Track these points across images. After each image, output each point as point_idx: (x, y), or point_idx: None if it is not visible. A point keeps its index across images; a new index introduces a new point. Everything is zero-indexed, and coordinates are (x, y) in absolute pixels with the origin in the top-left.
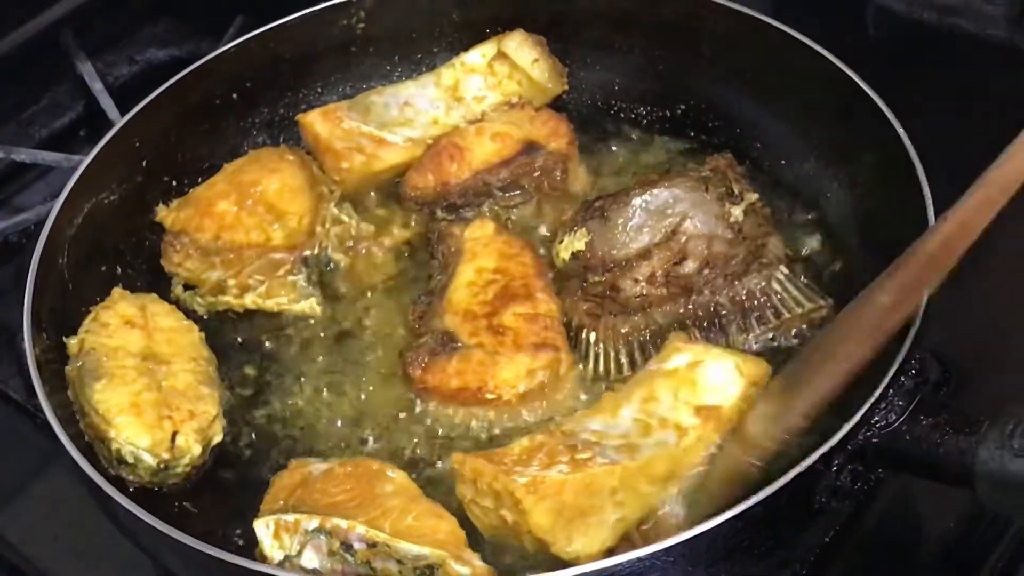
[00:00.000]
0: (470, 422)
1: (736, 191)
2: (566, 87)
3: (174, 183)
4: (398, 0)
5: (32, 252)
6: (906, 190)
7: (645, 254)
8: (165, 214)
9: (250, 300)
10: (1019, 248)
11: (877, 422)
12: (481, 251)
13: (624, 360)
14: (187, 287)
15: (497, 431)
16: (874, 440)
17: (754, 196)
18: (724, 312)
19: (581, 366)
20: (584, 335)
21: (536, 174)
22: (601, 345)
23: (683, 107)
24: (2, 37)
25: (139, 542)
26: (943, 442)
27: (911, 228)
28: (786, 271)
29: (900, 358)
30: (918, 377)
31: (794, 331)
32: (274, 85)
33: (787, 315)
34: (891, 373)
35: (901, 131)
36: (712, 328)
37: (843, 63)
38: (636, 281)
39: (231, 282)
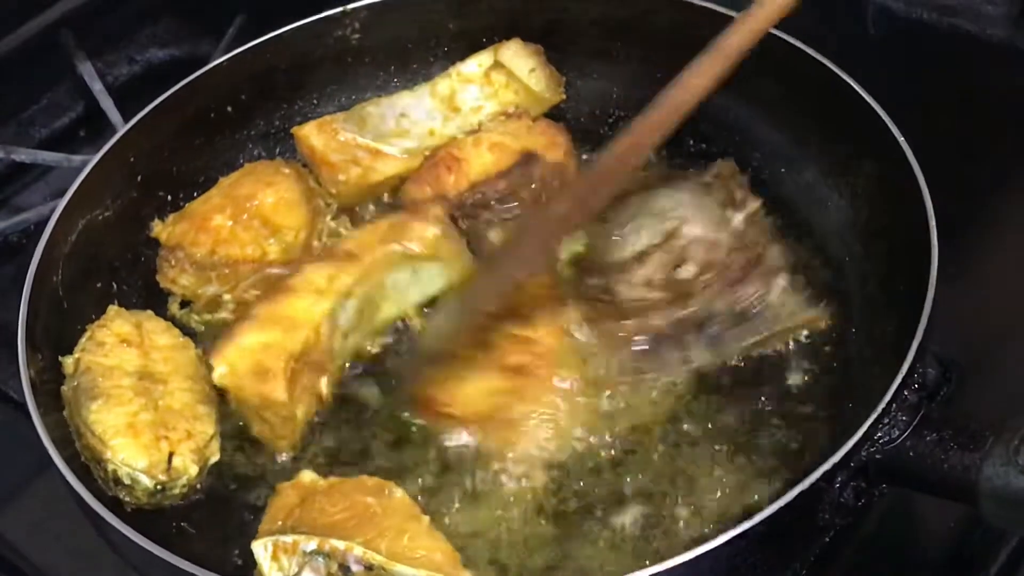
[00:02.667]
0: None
1: (739, 198)
2: (564, 96)
3: (169, 198)
4: (393, 10)
5: (31, 257)
6: (907, 200)
7: (642, 257)
8: (161, 229)
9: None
10: (1019, 248)
11: (880, 438)
12: None
13: (614, 366)
14: (183, 304)
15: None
16: (877, 456)
17: (756, 204)
18: (720, 319)
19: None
20: (580, 340)
21: (534, 185)
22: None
23: None
24: (2, 37)
25: (135, 564)
26: (947, 458)
27: (913, 238)
28: (785, 280)
29: (903, 372)
30: (922, 391)
31: (789, 341)
32: (269, 97)
33: (785, 324)
34: (894, 387)
35: (901, 139)
36: (707, 334)
37: (842, 70)
38: (631, 286)
39: (227, 297)
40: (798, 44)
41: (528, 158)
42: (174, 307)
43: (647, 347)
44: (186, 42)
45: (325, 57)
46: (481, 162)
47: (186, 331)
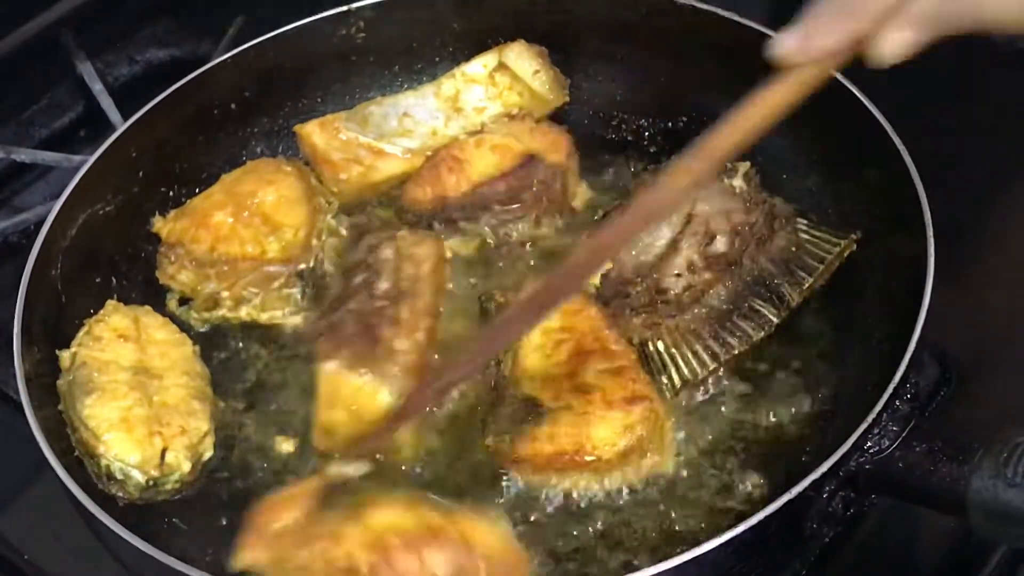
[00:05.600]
0: None
1: (728, 165)
2: (567, 98)
3: (171, 193)
4: (398, 10)
5: (27, 259)
6: (906, 210)
7: (674, 247)
8: (161, 225)
9: (245, 313)
10: (1019, 248)
11: (870, 448)
12: None
13: (705, 355)
14: (182, 302)
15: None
16: (867, 466)
17: (746, 164)
18: (770, 274)
19: (664, 379)
20: (651, 348)
21: (535, 188)
22: (674, 350)
23: (685, 119)
24: (2, 37)
25: (125, 561)
26: (936, 469)
27: (910, 248)
28: (804, 221)
29: (894, 383)
30: (914, 402)
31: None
32: (273, 95)
33: (828, 257)
34: (885, 398)
35: (902, 148)
36: (766, 292)
37: (843, 76)
38: (678, 276)
39: (225, 294)
40: None
41: (530, 160)
42: (172, 303)
43: (720, 327)
44: (186, 42)
45: (329, 56)
46: (483, 163)
47: (184, 327)
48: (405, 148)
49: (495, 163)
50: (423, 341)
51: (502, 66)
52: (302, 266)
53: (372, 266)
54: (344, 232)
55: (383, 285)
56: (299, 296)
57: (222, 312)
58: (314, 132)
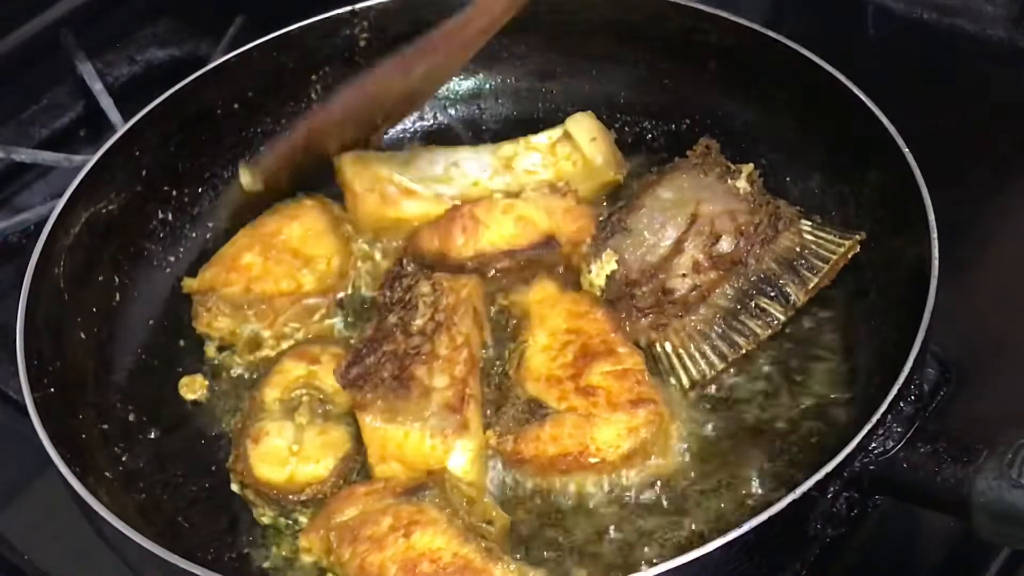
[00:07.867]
0: None
1: (732, 166)
2: (621, 178)
3: (174, 193)
4: (402, 11)
5: (30, 258)
6: (910, 209)
7: (679, 247)
8: (191, 282)
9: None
10: (1019, 248)
11: (874, 448)
12: (549, 313)
13: (714, 356)
14: (220, 348)
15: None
16: (871, 467)
17: (750, 166)
18: (775, 274)
19: (672, 380)
20: (659, 349)
21: (537, 262)
22: (681, 351)
23: (688, 121)
24: (2, 37)
25: (127, 559)
26: (940, 471)
27: (914, 251)
28: (809, 222)
29: (899, 384)
30: (918, 402)
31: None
32: (276, 95)
33: (833, 257)
34: (890, 399)
35: (906, 150)
36: (772, 291)
37: (842, 71)
38: (684, 276)
39: (267, 333)
40: (807, 53)
41: (545, 243)
42: (211, 351)
43: (727, 326)
44: (186, 42)
45: (333, 56)
46: (499, 232)
47: (224, 372)
48: (438, 193)
49: (511, 235)
50: (463, 373)
51: (566, 135)
52: (341, 295)
53: (408, 302)
54: (378, 256)
55: (418, 321)
56: (341, 325)
57: (266, 352)
58: (348, 163)
